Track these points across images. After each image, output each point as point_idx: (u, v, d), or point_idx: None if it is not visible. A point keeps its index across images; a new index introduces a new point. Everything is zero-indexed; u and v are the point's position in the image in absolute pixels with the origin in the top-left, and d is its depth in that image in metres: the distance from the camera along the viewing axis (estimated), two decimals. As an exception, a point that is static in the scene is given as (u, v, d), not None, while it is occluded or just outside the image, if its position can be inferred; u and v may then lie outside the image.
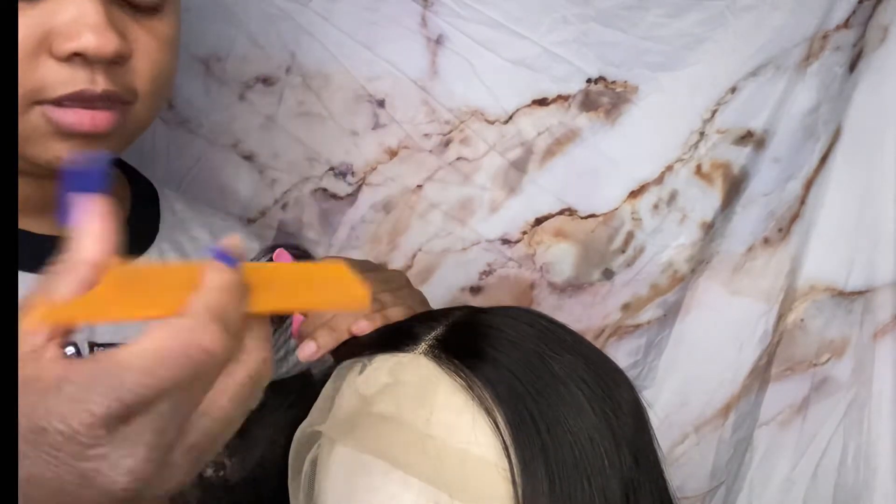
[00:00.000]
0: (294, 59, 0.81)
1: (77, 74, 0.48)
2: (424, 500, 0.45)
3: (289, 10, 0.80)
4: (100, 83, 0.49)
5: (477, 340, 0.49)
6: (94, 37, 0.47)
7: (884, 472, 0.95)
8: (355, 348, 0.52)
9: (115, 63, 0.50)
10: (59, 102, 0.49)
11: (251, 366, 0.36)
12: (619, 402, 0.49)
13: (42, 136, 0.50)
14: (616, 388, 0.50)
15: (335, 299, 0.42)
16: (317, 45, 0.81)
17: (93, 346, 0.56)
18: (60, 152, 0.50)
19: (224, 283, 0.35)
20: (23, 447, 0.33)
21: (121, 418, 0.32)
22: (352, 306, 0.46)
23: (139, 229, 0.63)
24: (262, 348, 0.37)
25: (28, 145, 0.50)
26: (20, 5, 0.46)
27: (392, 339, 0.51)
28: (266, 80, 0.82)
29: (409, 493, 0.45)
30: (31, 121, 0.49)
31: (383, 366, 0.49)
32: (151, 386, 0.32)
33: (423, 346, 0.49)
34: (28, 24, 0.47)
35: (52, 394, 0.33)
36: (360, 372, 0.50)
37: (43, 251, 0.55)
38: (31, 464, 0.33)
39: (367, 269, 0.61)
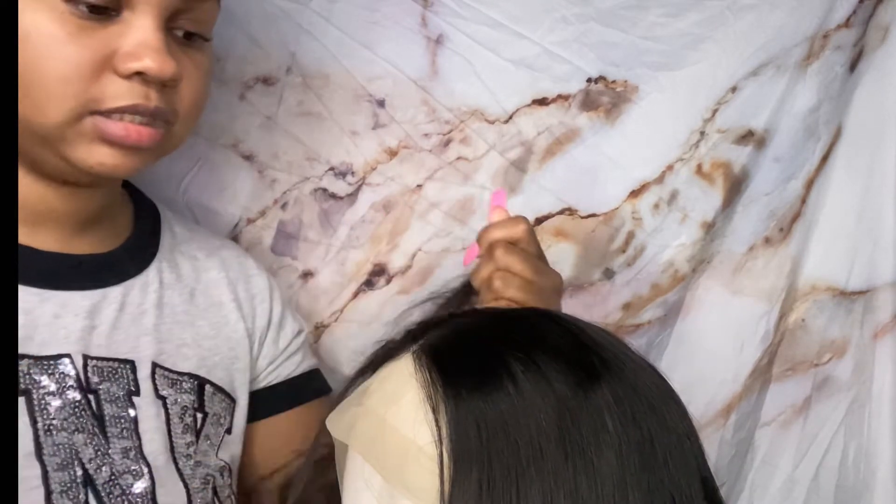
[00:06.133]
0: (294, 59, 0.81)
1: (135, 90, 0.54)
2: (386, 488, 0.46)
3: (289, 10, 0.80)
4: (153, 100, 0.55)
5: (454, 341, 0.50)
6: (156, 59, 0.54)
7: (884, 473, 0.95)
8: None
9: (166, 86, 0.56)
10: (113, 113, 0.54)
11: None
12: (586, 411, 0.46)
13: (89, 142, 0.55)
14: (593, 399, 0.46)
15: None
16: (317, 45, 0.81)
17: (86, 358, 0.58)
18: (103, 158, 0.55)
19: None
20: None
21: None
22: None
23: (137, 250, 0.66)
24: None
25: (73, 149, 0.55)
26: (90, 25, 0.53)
27: (404, 339, 0.53)
28: (266, 80, 0.82)
29: (377, 478, 0.47)
30: (81, 129, 0.54)
31: (388, 364, 0.51)
32: None
33: (417, 345, 0.50)
34: (97, 42, 0.53)
35: None
36: (374, 371, 0.52)
37: (50, 267, 0.59)
38: None
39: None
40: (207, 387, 0.66)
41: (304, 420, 0.73)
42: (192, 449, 0.62)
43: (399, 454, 0.46)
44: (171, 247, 0.69)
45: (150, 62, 0.54)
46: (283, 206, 0.85)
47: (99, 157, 0.55)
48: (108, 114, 0.54)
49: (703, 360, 0.94)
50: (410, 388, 0.48)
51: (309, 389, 0.77)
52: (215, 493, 0.64)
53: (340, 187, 0.85)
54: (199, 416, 0.64)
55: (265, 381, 0.73)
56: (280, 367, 0.74)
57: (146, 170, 0.60)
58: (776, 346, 0.97)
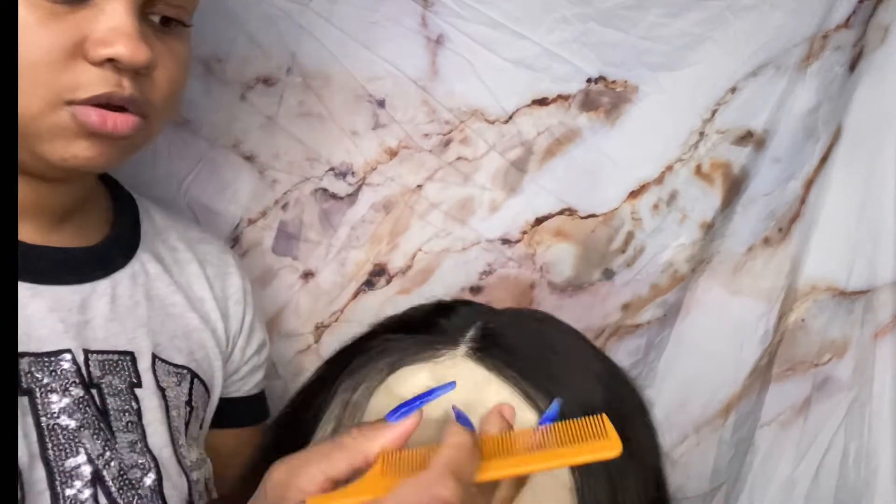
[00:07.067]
0: (294, 59, 0.82)
1: (107, 78, 0.52)
2: None
3: (289, 10, 0.80)
4: (127, 88, 0.52)
5: (521, 345, 0.49)
6: (128, 45, 0.51)
7: (884, 473, 0.95)
8: (381, 350, 0.52)
9: (140, 74, 0.53)
10: (88, 103, 0.52)
11: None
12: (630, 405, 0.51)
13: (66, 136, 0.52)
14: (634, 393, 0.52)
15: (580, 452, 0.42)
16: (317, 45, 0.81)
17: (87, 352, 0.57)
18: (78, 150, 0.53)
19: (460, 441, 0.41)
20: None
21: None
22: (601, 455, 0.43)
23: (121, 241, 0.64)
24: None
25: (48, 144, 0.52)
26: (61, 9, 0.50)
27: (425, 338, 0.50)
28: (266, 81, 0.82)
29: None
30: (57, 120, 0.52)
31: (422, 367, 0.49)
32: None
33: (462, 347, 0.49)
34: (67, 28, 0.51)
35: None
36: (391, 372, 0.49)
37: (38, 262, 0.57)
38: None
39: None
40: (196, 381, 0.65)
41: (249, 441, 0.71)
42: (183, 441, 0.62)
43: None
44: (153, 237, 0.67)
45: (121, 48, 0.51)
46: (284, 207, 0.85)
47: (74, 150, 0.53)
48: (84, 103, 0.52)
49: (702, 360, 0.95)
50: (491, 395, 0.46)
51: (259, 412, 0.75)
52: (206, 485, 0.63)
53: (341, 187, 0.85)
54: (187, 409, 0.64)
55: (225, 391, 0.71)
56: (242, 381, 0.73)
57: (121, 165, 0.58)
58: (776, 346, 0.97)
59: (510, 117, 0.86)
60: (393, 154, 0.85)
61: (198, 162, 0.83)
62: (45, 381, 0.54)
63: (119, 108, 0.53)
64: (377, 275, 0.87)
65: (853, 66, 0.91)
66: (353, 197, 0.86)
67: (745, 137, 0.89)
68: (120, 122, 0.53)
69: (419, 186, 0.86)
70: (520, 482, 0.44)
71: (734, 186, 0.91)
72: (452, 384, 0.45)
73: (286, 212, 0.85)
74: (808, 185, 0.93)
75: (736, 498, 1.00)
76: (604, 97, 0.87)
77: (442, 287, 0.88)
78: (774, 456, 0.99)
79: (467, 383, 0.47)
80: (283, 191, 0.85)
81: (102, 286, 0.60)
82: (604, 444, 0.41)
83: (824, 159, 0.93)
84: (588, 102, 0.87)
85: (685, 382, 0.95)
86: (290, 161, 0.84)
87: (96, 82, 0.51)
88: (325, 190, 0.85)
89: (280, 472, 0.43)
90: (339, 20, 0.81)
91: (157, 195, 0.75)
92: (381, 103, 0.84)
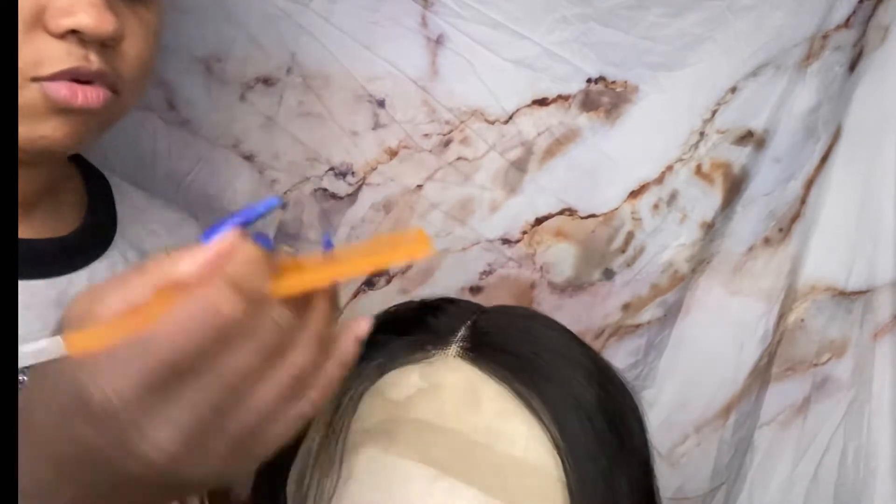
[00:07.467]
0: (294, 59, 0.82)
1: (72, 51, 0.48)
2: None
3: (289, 10, 0.80)
4: (94, 62, 0.49)
5: (513, 344, 0.49)
6: (92, 14, 0.47)
7: (883, 473, 0.95)
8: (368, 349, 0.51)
9: (106, 45, 0.50)
10: (53, 79, 0.48)
11: (298, 363, 0.35)
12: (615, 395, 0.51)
13: (34, 115, 0.49)
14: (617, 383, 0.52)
15: (390, 256, 0.38)
16: (317, 45, 0.81)
17: None
18: (47, 131, 0.49)
19: (245, 256, 0.34)
20: (54, 420, 0.34)
21: (152, 388, 0.32)
22: (414, 256, 0.38)
23: (98, 229, 0.61)
24: (310, 349, 0.36)
25: (19, 124, 0.49)
26: None
27: (414, 339, 0.50)
28: (266, 81, 0.82)
29: (461, 501, 0.43)
30: (26, 98, 0.48)
31: (412, 368, 0.48)
32: (177, 350, 0.32)
33: (453, 347, 0.48)
34: None
35: (89, 366, 0.33)
36: (380, 375, 0.48)
37: (26, 255, 0.54)
38: (62, 438, 0.34)
39: None
40: None
41: None
42: None
43: (508, 471, 0.44)
44: (131, 219, 0.63)
45: (84, 18, 0.46)
46: (284, 207, 0.85)
47: (42, 130, 0.49)
48: (50, 78, 0.48)
49: (702, 360, 0.95)
50: (484, 397, 0.45)
51: None
52: None
53: (341, 187, 0.85)
54: None
55: None
56: None
57: (91, 145, 0.55)
58: (775, 346, 0.97)
59: (510, 117, 0.86)
60: (393, 154, 0.85)
61: (198, 162, 0.82)
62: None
63: (87, 82, 0.49)
64: (377, 274, 0.87)
65: (853, 66, 0.91)
66: (353, 197, 0.86)
67: (745, 137, 0.89)
68: (91, 95, 0.49)
69: (419, 186, 0.86)
70: (334, 305, 0.38)
71: (734, 186, 0.91)
72: (275, 200, 0.41)
73: (286, 212, 0.85)
74: (808, 185, 0.93)
75: (736, 498, 1.00)
76: (604, 97, 0.87)
77: (442, 287, 0.88)
78: (774, 456, 1.00)
79: (461, 384, 0.46)
80: (282, 191, 0.85)
81: (80, 279, 0.56)
82: (413, 246, 0.37)
83: (824, 159, 0.93)
84: (588, 102, 0.87)
85: (685, 382, 0.95)
86: (289, 161, 0.84)
87: (60, 56, 0.47)
88: (325, 190, 0.85)
89: (80, 302, 0.36)
90: (338, 20, 0.81)
91: (158, 195, 0.75)
92: (381, 103, 0.84)
